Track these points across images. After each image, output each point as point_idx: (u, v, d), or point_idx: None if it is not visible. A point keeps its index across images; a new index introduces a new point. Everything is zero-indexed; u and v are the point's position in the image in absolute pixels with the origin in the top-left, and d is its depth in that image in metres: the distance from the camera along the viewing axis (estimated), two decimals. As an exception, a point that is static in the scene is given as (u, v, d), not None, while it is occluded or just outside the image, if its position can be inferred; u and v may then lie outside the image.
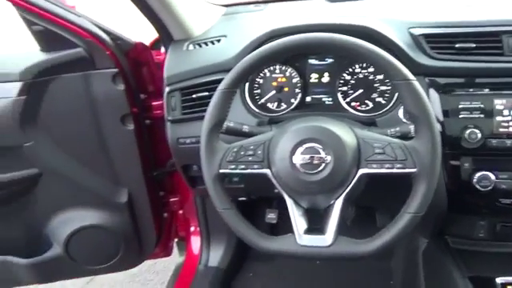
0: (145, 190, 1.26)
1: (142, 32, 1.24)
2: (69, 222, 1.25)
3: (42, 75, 1.05)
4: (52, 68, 1.06)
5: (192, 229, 1.46)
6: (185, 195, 1.42)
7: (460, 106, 0.91)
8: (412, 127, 0.82)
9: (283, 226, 1.01)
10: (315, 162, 0.76)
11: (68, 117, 1.12)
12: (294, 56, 1.02)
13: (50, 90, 1.08)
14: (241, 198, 1.18)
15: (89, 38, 1.05)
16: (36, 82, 1.05)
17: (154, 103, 1.22)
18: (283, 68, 1.05)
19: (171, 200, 1.41)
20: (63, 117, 1.12)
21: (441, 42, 0.94)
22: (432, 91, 0.93)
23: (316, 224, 0.83)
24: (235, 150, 0.81)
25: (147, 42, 1.22)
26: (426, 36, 0.94)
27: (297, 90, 1.04)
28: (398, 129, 0.84)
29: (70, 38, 1.04)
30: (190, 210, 1.43)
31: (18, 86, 1.04)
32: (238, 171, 0.81)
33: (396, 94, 0.97)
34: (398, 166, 0.75)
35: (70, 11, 1.05)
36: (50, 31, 1.02)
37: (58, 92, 1.09)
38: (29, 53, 1.09)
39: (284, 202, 0.83)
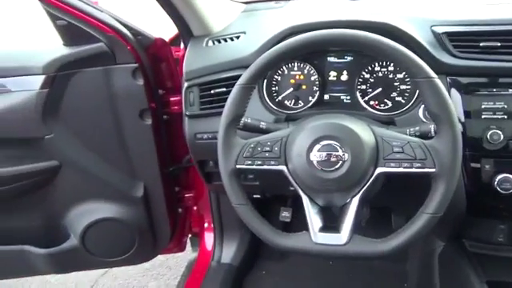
0: (160, 185, 1.27)
1: (161, 28, 1.26)
2: (86, 214, 1.27)
3: (64, 69, 1.08)
4: (74, 62, 1.08)
5: (206, 225, 1.48)
6: (199, 191, 1.43)
7: (483, 107, 0.89)
8: (432, 126, 0.81)
9: (297, 225, 1.01)
10: (332, 159, 0.76)
11: (88, 110, 1.15)
12: (313, 53, 1.02)
13: (71, 84, 1.10)
14: (255, 196, 1.18)
15: (111, 33, 1.06)
16: (58, 75, 1.08)
17: (172, 99, 1.23)
18: (301, 65, 1.05)
19: (186, 196, 1.42)
20: (83, 110, 1.14)
21: (464, 40, 0.92)
22: (454, 91, 0.91)
23: (331, 222, 0.82)
24: (252, 145, 0.81)
25: (167, 38, 1.24)
26: (449, 34, 0.93)
27: (315, 88, 1.04)
28: (417, 128, 0.83)
29: (92, 33, 1.06)
30: (204, 206, 1.44)
31: (41, 79, 1.07)
32: (254, 167, 0.81)
33: (416, 93, 0.96)
34: (417, 165, 0.74)
35: (92, 6, 1.07)
36: (73, 26, 1.04)
37: (79, 86, 1.11)
38: (52, 47, 1.11)
39: (298, 200, 0.83)
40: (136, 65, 1.11)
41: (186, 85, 1.06)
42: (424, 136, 0.80)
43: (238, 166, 0.81)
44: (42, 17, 1.06)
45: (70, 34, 1.07)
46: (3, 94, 1.08)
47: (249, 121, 0.87)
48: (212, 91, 1.03)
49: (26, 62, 1.08)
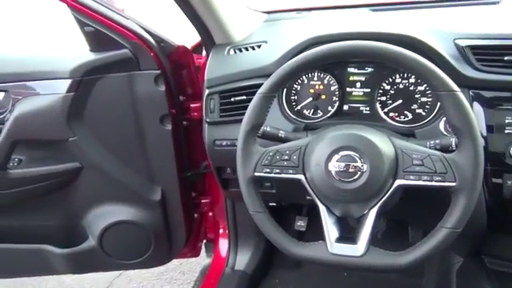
0: (178, 190, 1.29)
1: (183, 36, 1.29)
2: (104, 216, 1.29)
3: (90, 74, 1.11)
4: (99, 67, 1.11)
5: (221, 231, 1.49)
6: (216, 197, 1.44)
7: (506, 121, 0.88)
8: (453, 140, 0.80)
9: (311, 235, 1.01)
10: (351, 170, 0.76)
11: (111, 114, 1.17)
12: (334, 64, 1.02)
13: (96, 88, 1.13)
14: (271, 204, 1.18)
15: (135, 39, 1.09)
16: (84, 80, 1.11)
17: (192, 105, 1.25)
18: (321, 75, 1.05)
19: (202, 201, 1.44)
20: (106, 114, 1.17)
21: (488, 54, 0.91)
22: (476, 104, 0.90)
23: (348, 233, 0.82)
24: (271, 154, 0.82)
25: (189, 46, 1.26)
26: (472, 47, 0.92)
27: (334, 98, 1.05)
28: (438, 141, 0.82)
29: (117, 40, 1.09)
30: (219, 213, 1.45)
31: (67, 83, 1.10)
32: (272, 175, 0.82)
33: (437, 106, 0.96)
34: (437, 178, 0.73)
35: (119, 13, 1.10)
36: (100, 32, 1.08)
37: (103, 90, 1.14)
38: (79, 53, 1.15)
39: (314, 209, 0.83)
40: (158, 71, 1.13)
41: (206, 92, 1.07)
42: (445, 149, 0.80)
43: (256, 174, 0.82)
44: (70, 23, 1.10)
45: (97, 40, 1.10)
46: (32, 97, 1.12)
47: (268, 129, 0.88)
48: (232, 99, 1.05)
49: (54, 67, 1.12)
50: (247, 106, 0.83)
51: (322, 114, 1.05)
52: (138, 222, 1.29)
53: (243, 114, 0.84)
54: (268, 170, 0.82)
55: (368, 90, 1.03)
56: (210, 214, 1.47)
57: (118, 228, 1.30)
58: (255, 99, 0.82)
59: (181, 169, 1.28)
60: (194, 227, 1.44)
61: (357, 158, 0.76)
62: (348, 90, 1.04)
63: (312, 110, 1.06)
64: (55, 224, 1.31)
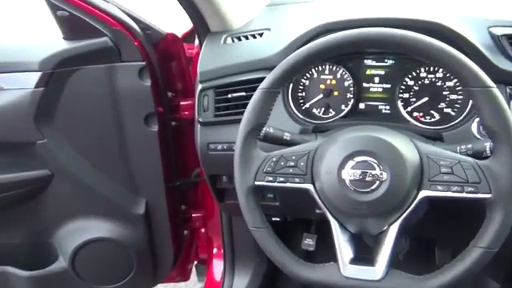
0: (164, 202, 1.29)
1: (173, 22, 1.29)
2: (77, 232, 1.29)
3: (63, 65, 1.11)
4: (74, 58, 1.11)
5: (215, 251, 1.48)
6: (209, 211, 1.44)
7: None
8: (488, 144, 0.81)
9: (321, 255, 1.01)
10: (368, 178, 0.76)
11: (87, 113, 1.18)
12: (348, 55, 1.02)
13: (70, 83, 1.14)
14: (274, 219, 1.18)
15: (116, 26, 1.10)
16: (56, 72, 1.11)
17: (183, 103, 1.26)
18: (334, 68, 1.06)
19: (193, 216, 1.44)
20: (81, 113, 1.18)
21: None
22: (514, 103, 0.91)
23: (364, 253, 0.82)
24: (274, 159, 0.82)
25: (179, 34, 1.27)
26: (509, 37, 0.93)
27: (348, 95, 1.05)
28: (469, 146, 0.82)
29: (95, 26, 1.09)
30: (214, 229, 1.45)
31: (36, 76, 1.11)
32: (275, 184, 0.82)
33: (469, 105, 0.96)
34: (469, 189, 0.73)
35: (97, -4, 1.11)
36: (75, 17, 1.08)
37: (78, 85, 1.14)
38: (50, 41, 1.15)
39: (325, 225, 0.83)
40: (143, 63, 1.14)
41: (199, 87, 1.08)
42: (478, 155, 0.80)
43: (256, 183, 0.82)
44: (41, 8, 1.10)
45: (71, 27, 1.11)
46: (-6, 93, 1.12)
47: (271, 131, 0.88)
48: (229, 95, 1.05)
49: (20, 57, 1.13)
50: (247, 103, 0.83)
51: (334, 113, 1.06)
52: (118, 239, 1.29)
53: (242, 112, 0.84)
54: (271, 179, 0.82)
55: (388, 85, 1.03)
56: (203, 230, 1.47)
57: (93, 247, 1.29)
58: (256, 96, 0.82)
59: (168, 177, 1.28)
60: (183, 246, 1.44)
61: (375, 165, 0.76)
62: (365, 85, 1.04)
63: (322, 109, 1.06)
64: (19, 242, 1.31)
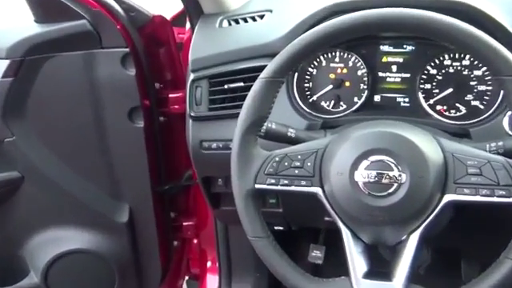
0: (151, 209, 1.30)
1: (161, 3, 1.29)
2: (51, 243, 1.30)
3: (34, 52, 1.11)
4: (47, 44, 1.12)
5: (209, 264, 1.49)
6: (202, 219, 1.44)
7: None
8: (522, 142, 0.81)
9: (331, 268, 1.01)
10: (384, 181, 0.76)
11: (62, 107, 1.18)
12: (361, 40, 1.02)
13: (42, 72, 1.14)
14: (276, 228, 1.18)
15: (96, 7, 1.10)
16: (27, 60, 1.11)
17: (172, 95, 1.26)
18: (345, 55, 1.06)
19: (184, 224, 1.44)
20: (56, 107, 1.18)
21: None
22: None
23: (380, 266, 0.82)
24: (277, 159, 0.82)
25: (168, 16, 1.27)
26: None
27: (362, 86, 1.05)
28: (500, 143, 0.82)
29: (72, 7, 1.09)
30: (207, 240, 1.45)
31: (4, 64, 1.11)
32: (278, 188, 0.82)
33: (500, 96, 0.96)
34: (500, 193, 0.73)
35: (74, -27, 1.11)
36: None
37: (52, 75, 1.14)
38: (20, 25, 1.15)
39: (335, 235, 0.83)
40: (126, 49, 1.14)
41: (191, 77, 1.08)
42: (510, 154, 0.80)
43: (257, 186, 0.82)
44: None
45: (45, 8, 1.11)
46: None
47: (273, 126, 0.89)
48: (226, 86, 1.05)
49: None
50: (246, 95, 0.83)
51: (345, 106, 1.06)
52: (97, 251, 1.29)
53: (240, 105, 0.84)
54: (273, 181, 0.82)
55: (407, 74, 1.03)
56: (195, 241, 1.48)
57: (68, 260, 1.30)
58: (257, 86, 0.82)
59: (155, 180, 1.29)
60: (172, 259, 1.44)
61: (392, 165, 0.76)
62: (380, 75, 1.04)
63: (332, 102, 1.07)
64: None
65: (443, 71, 1.01)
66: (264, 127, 0.86)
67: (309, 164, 0.81)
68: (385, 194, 0.76)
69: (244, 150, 0.83)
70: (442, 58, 1.01)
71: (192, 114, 1.07)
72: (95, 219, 1.28)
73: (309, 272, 0.84)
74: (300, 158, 0.82)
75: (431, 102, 1.02)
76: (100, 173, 1.26)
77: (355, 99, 1.06)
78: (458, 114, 1.01)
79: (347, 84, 1.06)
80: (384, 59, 1.04)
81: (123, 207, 1.29)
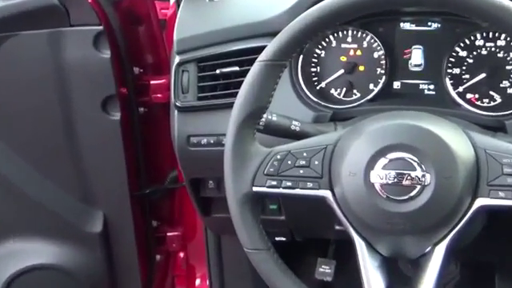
0: (129, 217, 1.30)
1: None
2: (12, 257, 1.30)
3: None
4: (7, 21, 1.11)
5: (198, 282, 1.50)
6: (190, 229, 1.45)
7: None
8: None
9: (342, 286, 1.01)
10: (406, 182, 0.76)
11: (23, 96, 1.18)
12: (378, 16, 1.03)
13: (1, 54, 1.13)
14: (278, 239, 1.19)
15: None
16: None
17: (154, 82, 1.27)
18: (359, 34, 1.07)
19: (169, 235, 1.45)
20: (16, 96, 1.18)
21: None
22: None
23: (400, 283, 0.83)
24: (279, 157, 0.82)
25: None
26: None
27: (379, 71, 1.06)
28: (542, 138, 0.83)
29: None
30: (196, 253, 1.46)
31: None
32: (281, 191, 0.82)
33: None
34: None
35: None
36: None
37: (11, 57, 1.14)
38: None
39: (346, 248, 0.83)
40: (100, 27, 1.14)
41: (177, 60, 1.08)
42: (553, 151, 0.81)
43: (255, 189, 0.82)
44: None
45: None
46: None
47: (274, 119, 0.89)
48: (218, 71, 1.06)
49: None
50: (241, 81, 0.83)
51: (359, 95, 1.07)
52: (65, 267, 1.29)
53: (235, 94, 0.84)
54: (274, 183, 0.82)
55: (432, 57, 1.03)
56: (181, 254, 1.48)
57: (33, 276, 1.30)
58: (255, 71, 0.82)
59: (134, 183, 1.29)
60: (155, 276, 1.44)
61: (415, 164, 0.76)
62: (401, 58, 1.05)
63: (344, 90, 1.07)
64: None
65: (474, 53, 1.01)
66: (263, 119, 0.86)
67: (316, 163, 0.81)
68: (406, 197, 0.77)
69: (240, 146, 0.83)
70: (472, 38, 1.01)
71: (178, 104, 1.08)
72: (63, 229, 1.28)
73: None
74: (306, 155, 0.82)
75: (460, 89, 1.02)
76: (68, 174, 1.25)
77: (371, 86, 1.06)
78: (492, 103, 1.01)
79: (361, 68, 1.06)
80: (405, 39, 1.04)
81: (96, 215, 1.29)
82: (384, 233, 0.80)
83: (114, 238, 1.31)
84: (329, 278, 1.25)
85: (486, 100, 1.01)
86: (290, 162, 0.82)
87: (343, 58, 1.07)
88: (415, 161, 0.77)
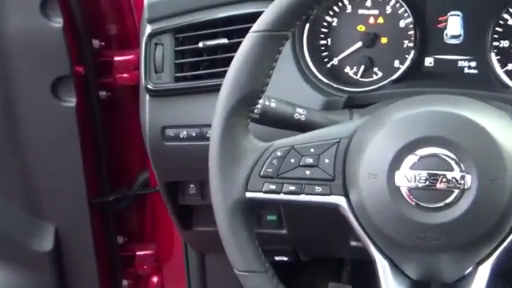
0: (88, 231, 1.31)
1: None
2: None
3: None
4: None
5: (175, 313, 1.50)
6: (166, 246, 1.46)
7: None
8: None
9: None
10: (440, 185, 0.76)
11: None
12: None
13: None
14: (278, 258, 1.20)
15: None
16: None
17: (119, 58, 1.27)
18: (380, -2, 1.07)
19: (139, 254, 1.45)
20: None
21: None
22: None
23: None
24: (279, 154, 0.82)
25: None
26: None
27: (406, 44, 1.06)
28: None
29: None
30: (173, 276, 1.47)
31: None
32: (281, 197, 0.82)
33: None
34: None
35: None
36: None
37: None
38: None
39: (365, 269, 0.84)
40: None
41: (148, 31, 1.08)
42: None
43: (249, 195, 0.82)
44: None
45: None
46: None
47: (273, 105, 0.89)
48: (201, 44, 1.06)
49: None
50: (230, 57, 0.83)
51: (380, 74, 1.07)
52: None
53: (222, 74, 0.84)
54: (273, 188, 0.82)
55: (474, 26, 1.04)
56: (155, 279, 1.49)
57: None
58: (248, 44, 0.82)
59: (95, 188, 1.30)
60: (121, 306, 1.45)
61: (452, 163, 0.76)
62: (434, 27, 1.06)
63: (362, 68, 1.08)
64: None
65: None
66: (259, 106, 0.86)
67: (327, 161, 0.82)
68: (440, 205, 0.77)
69: (229, 140, 0.83)
70: None
71: (149, 87, 1.08)
72: (4, 248, 1.28)
73: None
74: (314, 151, 0.82)
75: (509, 67, 1.03)
76: (10, 178, 1.26)
77: (396, 63, 1.07)
78: (551, 85, 1.02)
79: (384, 40, 1.07)
80: (439, 3, 1.05)
81: (46, 229, 1.29)
82: (413, 250, 0.80)
83: (69, 259, 1.31)
84: None
85: None
86: (293, 161, 0.82)
87: (361, 28, 1.08)
88: (452, 158, 0.77)
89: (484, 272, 0.79)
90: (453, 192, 0.76)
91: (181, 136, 1.07)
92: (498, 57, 1.03)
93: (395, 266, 0.82)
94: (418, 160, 0.77)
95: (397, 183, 0.77)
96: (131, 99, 1.15)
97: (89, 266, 1.32)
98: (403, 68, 1.06)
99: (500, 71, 1.03)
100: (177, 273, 1.43)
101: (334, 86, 1.05)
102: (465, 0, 1.04)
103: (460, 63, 1.05)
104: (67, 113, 1.20)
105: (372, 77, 1.07)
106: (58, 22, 1.15)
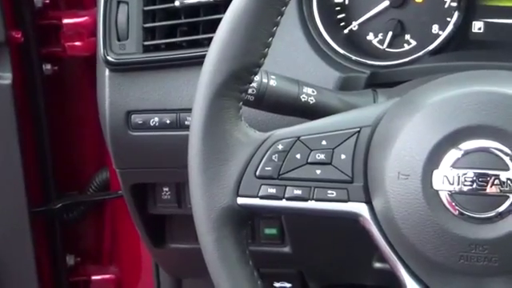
0: (29, 248, 1.32)
1: None
2: None
3: None
4: None
5: None
6: (131, 268, 1.48)
7: None
8: None
9: None
10: (491, 189, 0.77)
11: None
12: None
13: None
14: (280, 285, 1.21)
15: None
16: None
17: (68, 21, 1.28)
18: None
19: (95, 278, 1.47)
20: None
21: None
22: None
23: None
24: (281, 147, 0.83)
25: None
26: None
27: (448, 3, 1.07)
28: None
29: None
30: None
31: None
32: (284, 204, 0.83)
33: None
34: None
35: None
36: None
37: None
38: None
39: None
40: None
41: (107, -15, 1.09)
42: None
43: (241, 201, 0.83)
44: None
45: None
46: None
47: (273, 83, 0.90)
48: (177, 2, 1.07)
49: None
50: (217, 20, 0.85)
51: (414, 43, 1.09)
52: None
53: (206, 41, 0.88)
54: (273, 192, 0.83)
55: None
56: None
57: None
58: (239, 4, 0.83)
59: (37, 193, 1.31)
60: None
61: (507, 160, 0.77)
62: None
63: (389, 35, 1.09)
64: None
65: None
66: (254, 85, 0.87)
67: (343, 157, 0.82)
68: (492, 214, 0.77)
69: (215, 129, 0.83)
70: None
71: (110, 59, 1.09)
72: None
73: None
74: (326, 144, 0.83)
75: None
76: None
77: (434, 29, 1.08)
78: None
79: (418, 0, 1.08)
80: None
81: None
82: (456, 273, 0.81)
83: (5, 284, 1.32)
84: None
85: None
86: (299, 157, 0.83)
87: None
88: (507, 154, 0.77)
89: None
90: (507, 198, 0.77)
91: (151, 123, 1.07)
92: None
93: None
94: (463, 156, 0.78)
95: (435, 186, 0.78)
96: (85, 75, 1.15)
97: None
98: (444, 35, 1.07)
99: None
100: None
101: (353, 58, 1.07)
102: None
103: None
104: (1, 92, 1.21)
105: (403, 47, 1.09)
106: None
